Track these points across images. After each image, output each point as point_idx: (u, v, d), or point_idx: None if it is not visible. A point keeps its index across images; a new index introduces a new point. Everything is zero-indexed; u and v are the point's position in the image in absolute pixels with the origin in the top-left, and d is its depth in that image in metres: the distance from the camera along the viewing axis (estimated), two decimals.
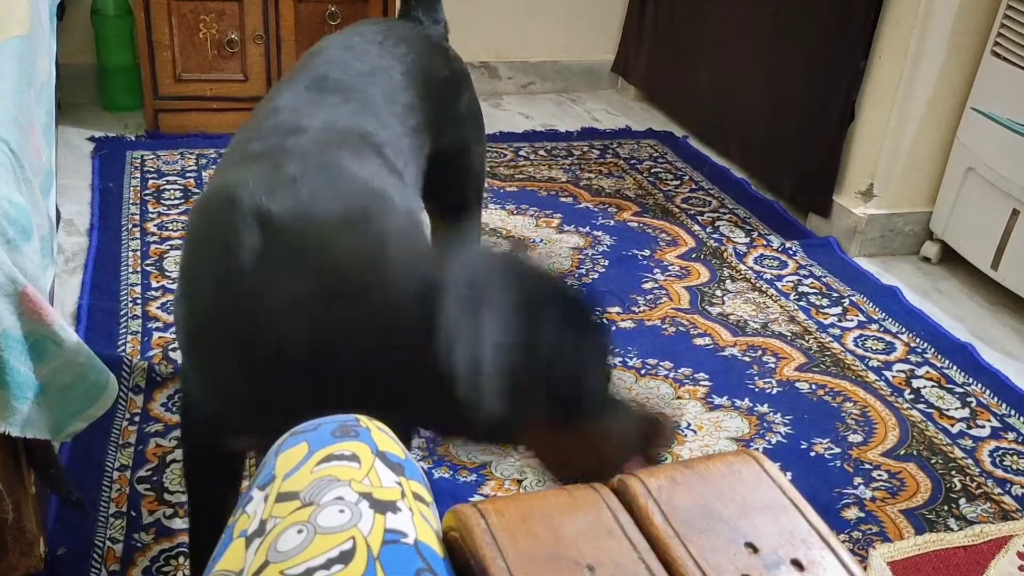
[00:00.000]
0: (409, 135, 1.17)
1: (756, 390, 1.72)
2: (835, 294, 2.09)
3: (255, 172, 0.94)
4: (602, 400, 0.92)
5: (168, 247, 2.06)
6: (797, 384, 1.75)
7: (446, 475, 1.46)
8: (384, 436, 0.62)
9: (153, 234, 2.11)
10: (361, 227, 0.90)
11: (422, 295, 0.84)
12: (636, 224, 2.35)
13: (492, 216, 2.31)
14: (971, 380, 1.80)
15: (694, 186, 2.61)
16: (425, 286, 0.84)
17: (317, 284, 0.87)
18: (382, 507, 0.55)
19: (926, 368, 1.84)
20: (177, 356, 1.68)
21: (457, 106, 1.37)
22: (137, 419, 1.52)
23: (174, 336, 1.74)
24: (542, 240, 2.22)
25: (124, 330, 1.76)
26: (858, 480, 1.52)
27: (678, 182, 2.63)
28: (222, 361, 0.93)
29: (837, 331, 1.94)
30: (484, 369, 0.80)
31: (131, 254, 2.02)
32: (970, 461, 1.58)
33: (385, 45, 1.27)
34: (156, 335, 1.74)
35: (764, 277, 2.13)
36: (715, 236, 2.31)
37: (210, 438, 1.04)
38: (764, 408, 1.67)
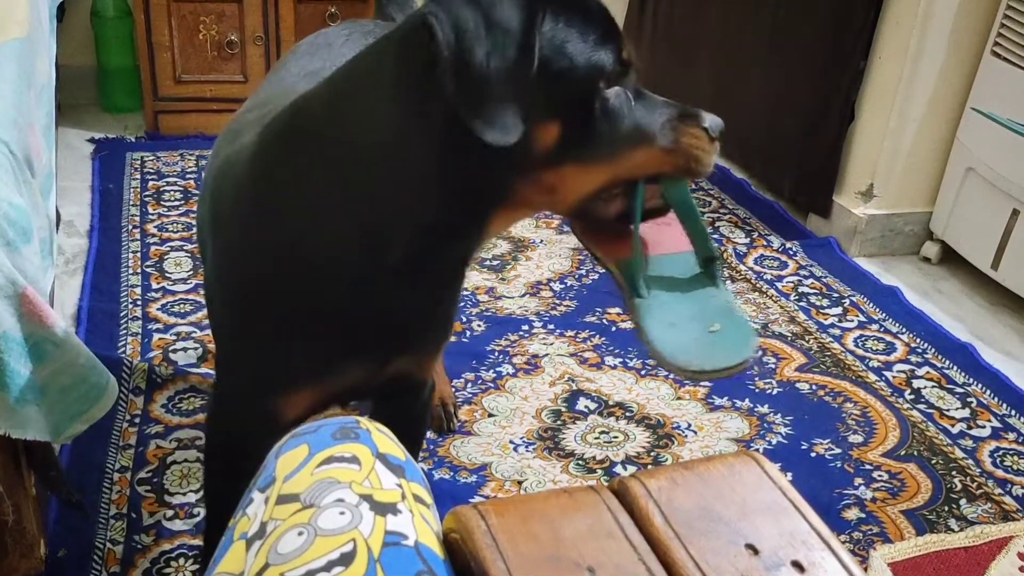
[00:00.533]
0: None
1: (756, 391, 1.72)
2: (835, 294, 2.09)
3: (251, 133, 0.96)
4: (608, 74, 0.83)
5: (168, 248, 2.06)
6: (797, 385, 1.75)
7: (446, 476, 1.46)
8: (384, 438, 0.62)
9: (153, 235, 2.11)
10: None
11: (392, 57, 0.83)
12: None
13: None
14: (971, 380, 1.80)
15: (694, 186, 2.60)
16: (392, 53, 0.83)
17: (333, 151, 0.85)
18: (382, 509, 0.55)
19: (926, 368, 1.84)
20: (178, 357, 1.68)
21: None
22: (137, 421, 1.52)
23: (174, 337, 1.74)
24: (542, 241, 2.22)
25: (124, 331, 1.76)
26: (859, 481, 1.52)
27: None
28: (291, 289, 0.91)
29: (837, 331, 1.94)
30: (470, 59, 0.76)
31: (131, 255, 2.02)
32: (971, 461, 1.58)
33: (352, 39, 1.27)
34: (156, 336, 1.74)
35: (764, 277, 2.13)
36: (715, 237, 2.31)
37: (255, 420, 0.99)
38: (764, 409, 1.67)
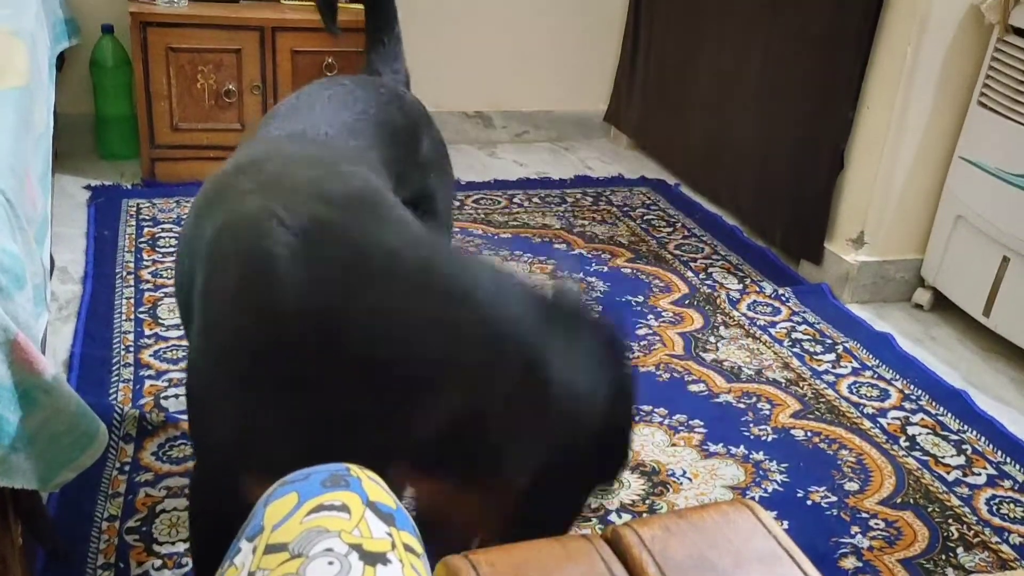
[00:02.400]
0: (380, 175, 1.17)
1: (751, 437, 1.71)
2: (828, 341, 2.09)
3: (265, 196, 0.94)
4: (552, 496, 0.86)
5: (162, 294, 2.06)
6: (792, 431, 1.74)
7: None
8: (375, 486, 0.61)
9: (147, 281, 2.11)
10: (385, 211, 0.92)
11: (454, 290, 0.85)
12: (629, 270, 2.36)
13: None
14: (966, 427, 1.80)
15: (687, 233, 2.63)
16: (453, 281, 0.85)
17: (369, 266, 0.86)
18: (372, 559, 0.54)
19: (921, 415, 1.83)
20: (169, 404, 1.67)
21: (418, 152, 1.35)
22: (127, 468, 1.51)
23: (166, 384, 1.73)
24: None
25: (116, 378, 1.75)
26: (855, 529, 1.50)
27: (671, 229, 2.64)
28: (279, 380, 0.89)
29: (831, 378, 1.94)
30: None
31: (125, 302, 2.02)
32: (967, 509, 1.57)
33: (334, 99, 1.26)
34: (148, 383, 1.73)
35: (757, 323, 2.14)
36: (708, 283, 2.32)
37: (235, 492, 0.95)
38: (760, 456, 1.66)
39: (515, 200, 2.75)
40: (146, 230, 2.37)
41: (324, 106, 1.24)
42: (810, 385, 1.90)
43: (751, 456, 1.66)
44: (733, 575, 0.58)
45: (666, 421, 1.73)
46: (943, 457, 1.71)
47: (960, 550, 1.47)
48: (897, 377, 1.96)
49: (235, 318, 0.91)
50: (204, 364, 0.95)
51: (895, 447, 1.72)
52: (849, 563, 1.43)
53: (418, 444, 0.88)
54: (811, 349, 2.05)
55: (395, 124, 1.30)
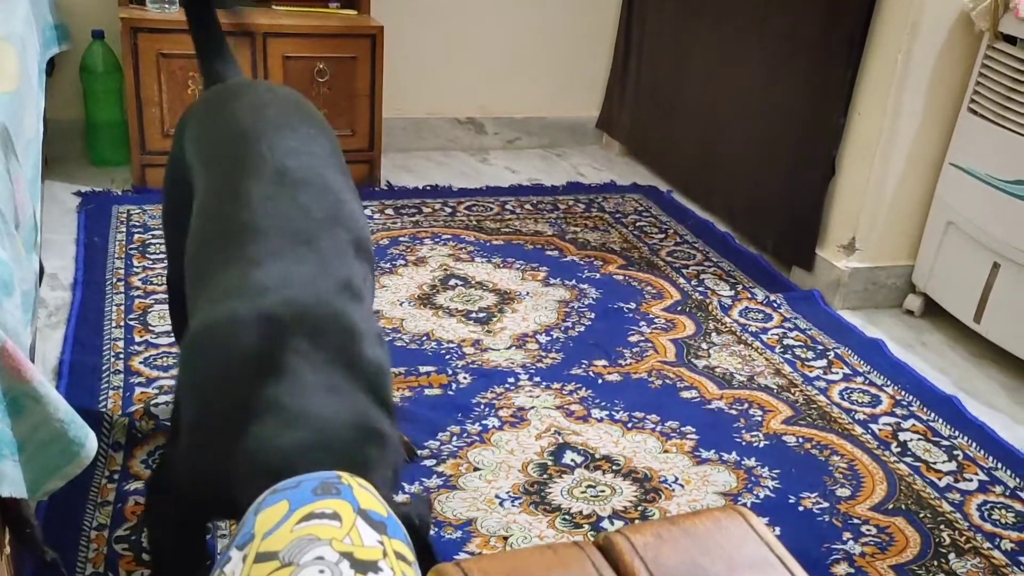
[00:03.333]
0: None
1: (743, 443, 1.71)
2: (820, 347, 2.09)
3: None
4: None
5: (152, 301, 2.05)
6: (784, 437, 1.74)
7: (430, 532, 1.43)
8: (366, 494, 0.61)
9: (137, 288, 2.10)
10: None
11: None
12: (622, 277, 2.36)
13: (478, 269, 2.32)
14: (957, 433, 1.80)
15: (679, 239, 2.63)
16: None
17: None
18: (363, 567, 0.54)
19: (912, 421, 1.84)
20: (159, 412, 1.66)
21: None
22: (116, 477, 1.50)
23: (156, 391, 1.72)
24: (528, 293, 2.22)
25: (106, 385, 1.74)
26: (847, 535, 1.50)
27: (663, 235, 2.65)
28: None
29: (823, 384, 1.94)
30: None
31: (115, 308, 2.01)
32: (958, 515, 1.57)
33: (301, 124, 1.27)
34: (138, 390, 1.73)
35: (749, 330, 2.14)
36: (700, 289, 2.32)
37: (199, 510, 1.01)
38: (751, 462, 1.66)
39: (507, 207, 2.75)
40: (136, 236, 2.36)
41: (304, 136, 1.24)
42: (802, 391, 1.90)
43: (743, 462, 1.66)
44: None
45: (658, 428, 1.73)
46: (934, 463, 1.71)
47: (952, 556, 1.47)
48: (888, 383, 1.96)
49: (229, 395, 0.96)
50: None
51: (886, 453, 1.73)
52: (841, 569, 1.43)
53: None
54: (803, 355, 2.05)
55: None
